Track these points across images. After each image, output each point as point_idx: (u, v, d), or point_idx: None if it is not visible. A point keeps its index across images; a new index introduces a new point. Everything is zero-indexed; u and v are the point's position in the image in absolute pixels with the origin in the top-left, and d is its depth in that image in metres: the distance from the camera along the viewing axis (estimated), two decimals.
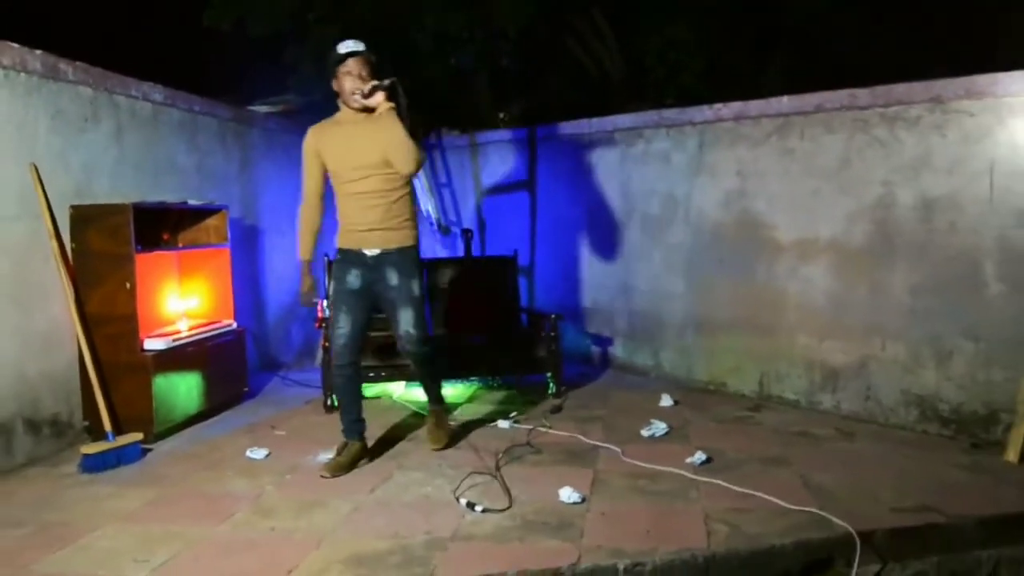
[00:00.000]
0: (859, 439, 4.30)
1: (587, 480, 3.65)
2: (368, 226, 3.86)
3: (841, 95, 4.69)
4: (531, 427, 4.47)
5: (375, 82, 3.75)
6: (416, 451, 4.16)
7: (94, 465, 3.87)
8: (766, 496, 3.38)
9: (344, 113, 3.91)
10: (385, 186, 3.83)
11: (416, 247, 4.00)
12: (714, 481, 3.59)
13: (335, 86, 3.85)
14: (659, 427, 4.38)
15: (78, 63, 4.37)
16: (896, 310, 4.47)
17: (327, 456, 4.01)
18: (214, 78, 8.09)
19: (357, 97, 3.76)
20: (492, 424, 4.60)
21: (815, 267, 4.86)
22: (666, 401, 5.03)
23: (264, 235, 6.28)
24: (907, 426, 4.43)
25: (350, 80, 3.79)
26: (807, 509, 3.23)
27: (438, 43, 8.31)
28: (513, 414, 4.72)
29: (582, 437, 4.29)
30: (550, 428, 4.48)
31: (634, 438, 4.29)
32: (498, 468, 3.79)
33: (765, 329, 5.14)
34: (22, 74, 4.02)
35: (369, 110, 3.79)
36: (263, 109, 7.87)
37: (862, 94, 4.59)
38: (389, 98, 3.74)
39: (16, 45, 3.98)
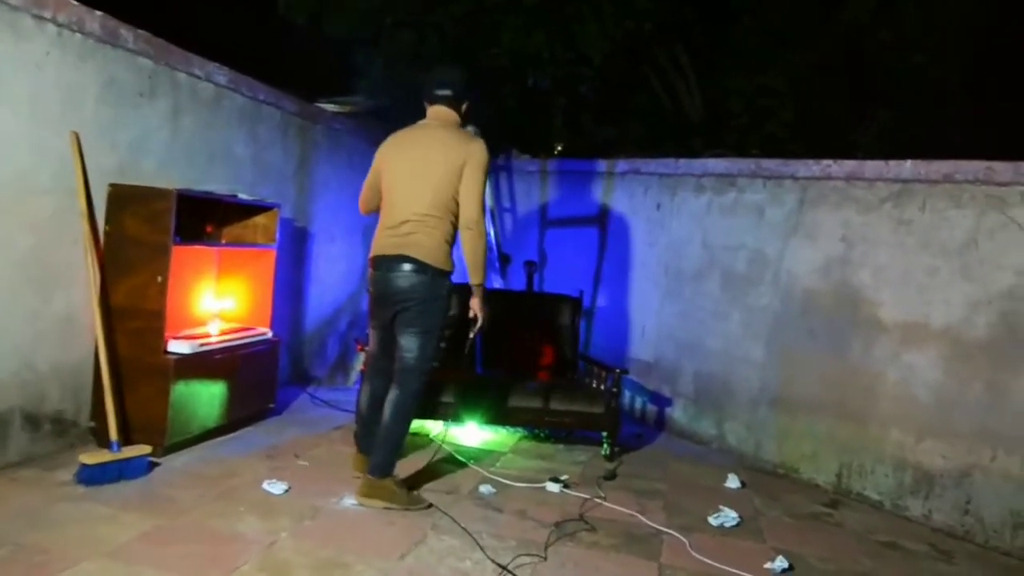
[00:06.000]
0: (959, 561, 3.72)
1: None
2: None
3: (976, 167, 4.14)
4: (585, 497, 3.95)
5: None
6: (455, 507, 3.64)
7: (92, 477, 3.40)
8: None
9: None
10: None
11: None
12: None
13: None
14: (729, 516, 3.82)
15: (140, 31, 3.97)
16: (1017, 418, 3.89)
17: (351, 501, 3.53)
18: (281, 67, 7.70)
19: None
20: (540, 485, 4.08)
21: (921, 355, 4.30)
22: (733, 482, 4.48)
23: (314, 240, 5.85)
24: (1012, 552, 3.83)
25: None
26: None
27: (515, 61, 7.89)
28: (564, 477, 4.18)
29: (642, 517, 3.75)
30: (605, 500, 3.96)
31: (700, 525, 3.75)
32: (547, 548, 3.27)
33: (852, 416, 4.57)
34: (77, 35, 3.62)
35: None
36: (329, 107, 7.47)
37: (1002, 168, 4.05)
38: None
39: (75, 2, 3.59)
